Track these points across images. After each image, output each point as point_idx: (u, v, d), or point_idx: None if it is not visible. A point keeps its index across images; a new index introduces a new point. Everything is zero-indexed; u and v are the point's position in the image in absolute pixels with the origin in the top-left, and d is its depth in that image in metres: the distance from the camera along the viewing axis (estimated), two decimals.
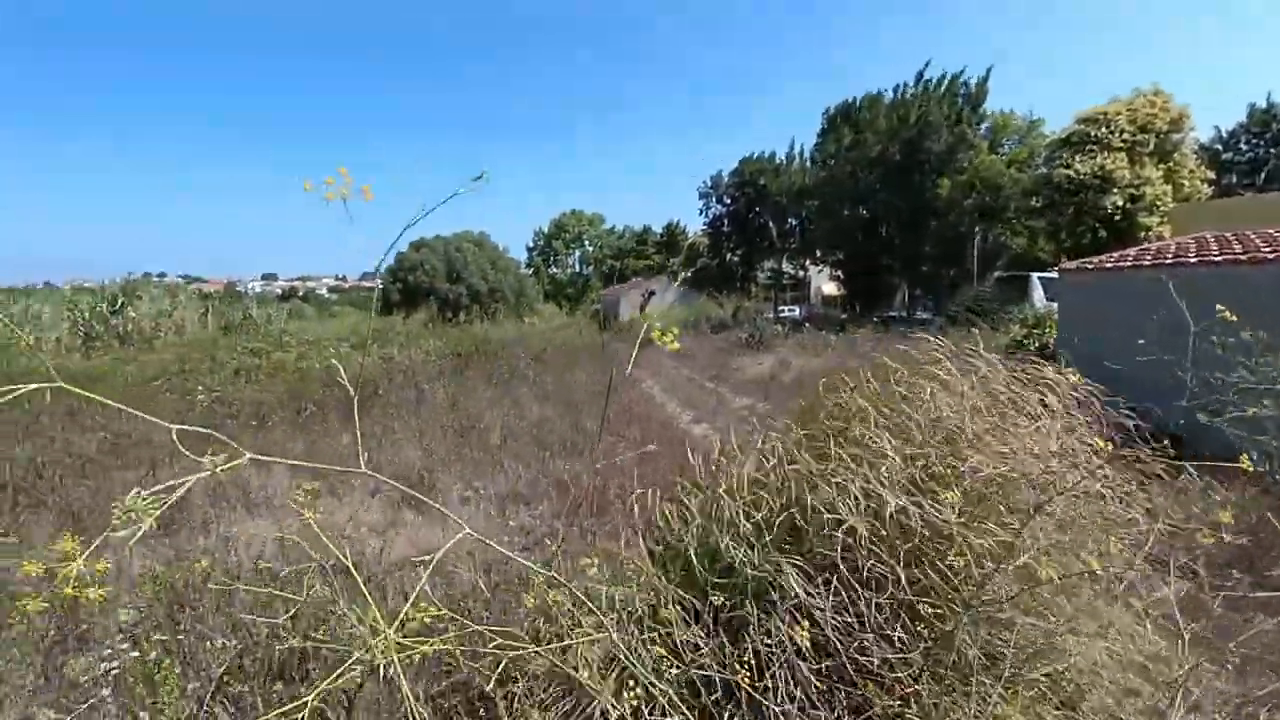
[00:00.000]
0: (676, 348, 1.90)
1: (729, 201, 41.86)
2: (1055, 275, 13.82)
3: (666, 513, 3.33)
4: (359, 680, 2.72)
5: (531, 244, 59.89)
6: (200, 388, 9.05)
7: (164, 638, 2.84)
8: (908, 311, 31.06)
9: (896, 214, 29.47)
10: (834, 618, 2.43)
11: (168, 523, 5.45)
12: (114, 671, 2.71)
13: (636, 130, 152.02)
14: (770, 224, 39.23)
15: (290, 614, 2.89)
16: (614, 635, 2.15)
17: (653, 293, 39.67)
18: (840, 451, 2.81)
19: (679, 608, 2.62)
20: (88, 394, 1.54)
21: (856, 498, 2.57)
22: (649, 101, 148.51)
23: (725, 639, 2.52)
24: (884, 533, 2.53)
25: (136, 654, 2.75)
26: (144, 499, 1.40)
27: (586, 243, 59.25)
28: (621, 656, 2.20)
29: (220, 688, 2.72)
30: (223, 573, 3.96)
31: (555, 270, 58.75)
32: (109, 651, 2.79)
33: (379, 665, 2.58)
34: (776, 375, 14.09)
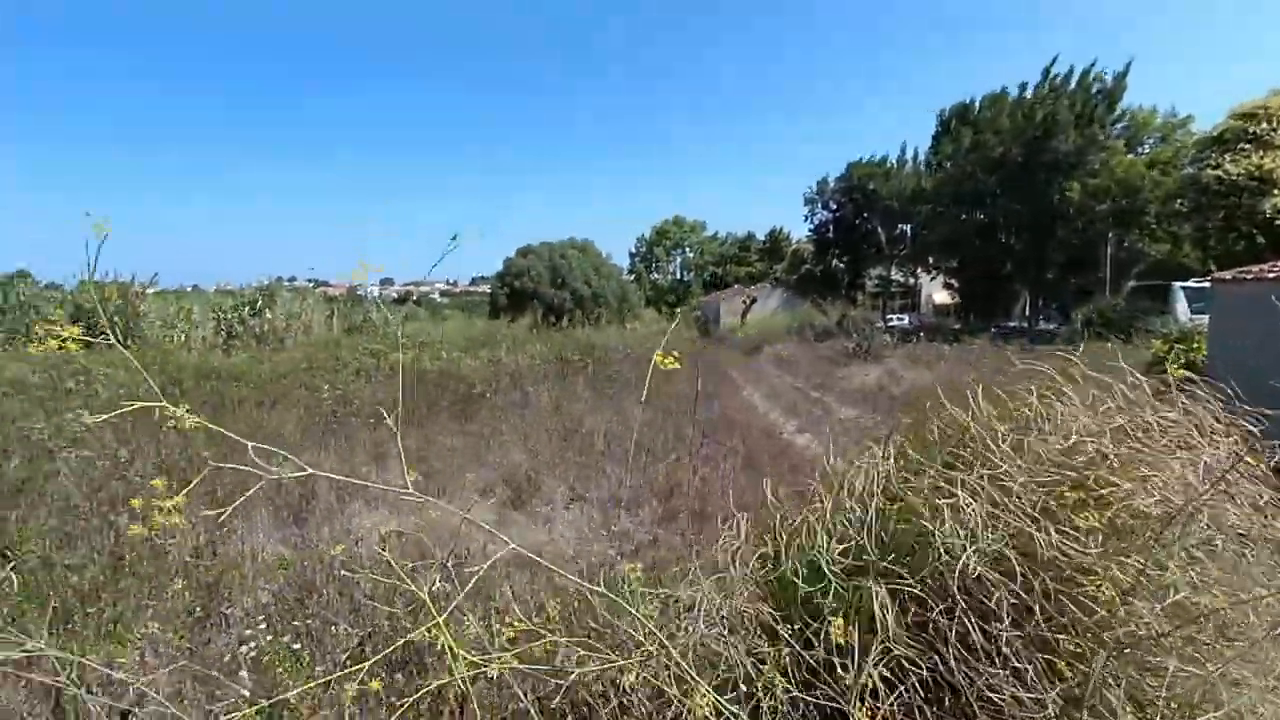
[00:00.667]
0: (676, 366, 1.90)
1: (835, 207, 40.84)
2: (1202, 285, 12.60)
3: (774, 525, 3.25)
4: (470, 678, 2.80)
5: (634, 250, 60.61)
6: (326, 386, 9.68)
7: (296, 623, 3.02)
8: (1029, 322, 29.23)
9: (1018, 218, 27.81)
10: (956, 650, 2.29)
11: (297, 512, 5.85)
12: (251, 654, 2.91)
13: (740, 136, 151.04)
14: (879, 230, 37.98)
15: (410, 608, 3.02)
16: (732, 653, 2.11)
17: (754, 299, 39.21)
18: (962, 475, 2.66)
19: (788, 625, 2.55)
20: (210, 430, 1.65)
21: (981, 522, 2.41)
22: (753, 108, 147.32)
23: (837, 663, 2.43)
24: (1014, 561, 2.36)
25: (271, 636, 2.94)
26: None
27: (688, 249, 59.37)
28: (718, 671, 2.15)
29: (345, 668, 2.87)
30: (346, 562, 4.20)
31: (656, 276, 59.18)
32: (249, 632, 2.99)
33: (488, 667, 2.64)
34: (885, 386, 13.58)
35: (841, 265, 41.62)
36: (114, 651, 2.76)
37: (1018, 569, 2.35)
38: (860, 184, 37.97)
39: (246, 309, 19.68)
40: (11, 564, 3.70)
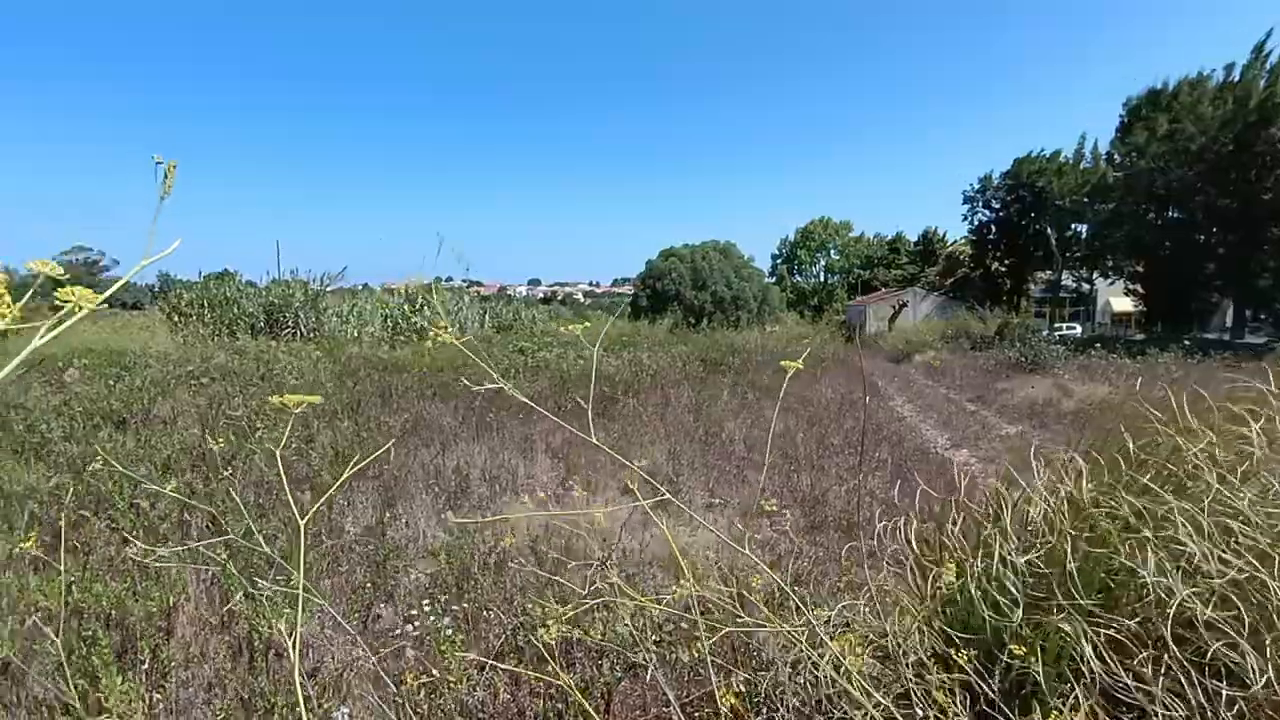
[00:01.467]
0: (816, 371, 1.74)
1: (998, 206, 37.99)
2: None
3: (939, 543, 3.02)
4: (618, 675, 2.80)
5: (776, 252, 59.50)
6: (484, 381, 10.23)
7: (456, 607, 3.16)
8: (1232, 334, 25.72)
9: (1223, 217, 24.48)
10: (1164, 710, 2.00)
11: (452, 500, 6.18)
12: (414, 632, 3.08)
13: (896, 135, 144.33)
14: (1049, 230, 34.88)
15: (560, 600, 3.07)
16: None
17: (904, 304, 37.28)
18: (1172, 505, 2.32)
19: (963, 652, 2.34)
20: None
21: (1205, 557, 2.09)
22: (912, 104, 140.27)
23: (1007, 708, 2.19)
24: (1241, 610, 2.03)
25: (433, 617, 3.09)
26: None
27: (833, 250, 57.49)
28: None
29: (499, 658, 2.96)
30: (495, 549, 4.37)
31: (799, 279, 57.79)
32: (413, 612, 3.17)
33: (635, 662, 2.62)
34: (1054, 401, 12.41)
35: (1003, 269, 38.66)
36: (292, 619, 3.00)
37: (1246, 619, 2.02)
38: (1028, 181, 35.07)
39: (409, 306, 21.24)
40: (223, 534, 4.16)
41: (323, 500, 1.44)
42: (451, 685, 2.53)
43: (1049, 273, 37.14)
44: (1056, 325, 30.99)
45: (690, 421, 9.43)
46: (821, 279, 58.20)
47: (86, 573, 3.19)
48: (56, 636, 2.13)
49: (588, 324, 1.98)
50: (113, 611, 2.88)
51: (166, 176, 0.73)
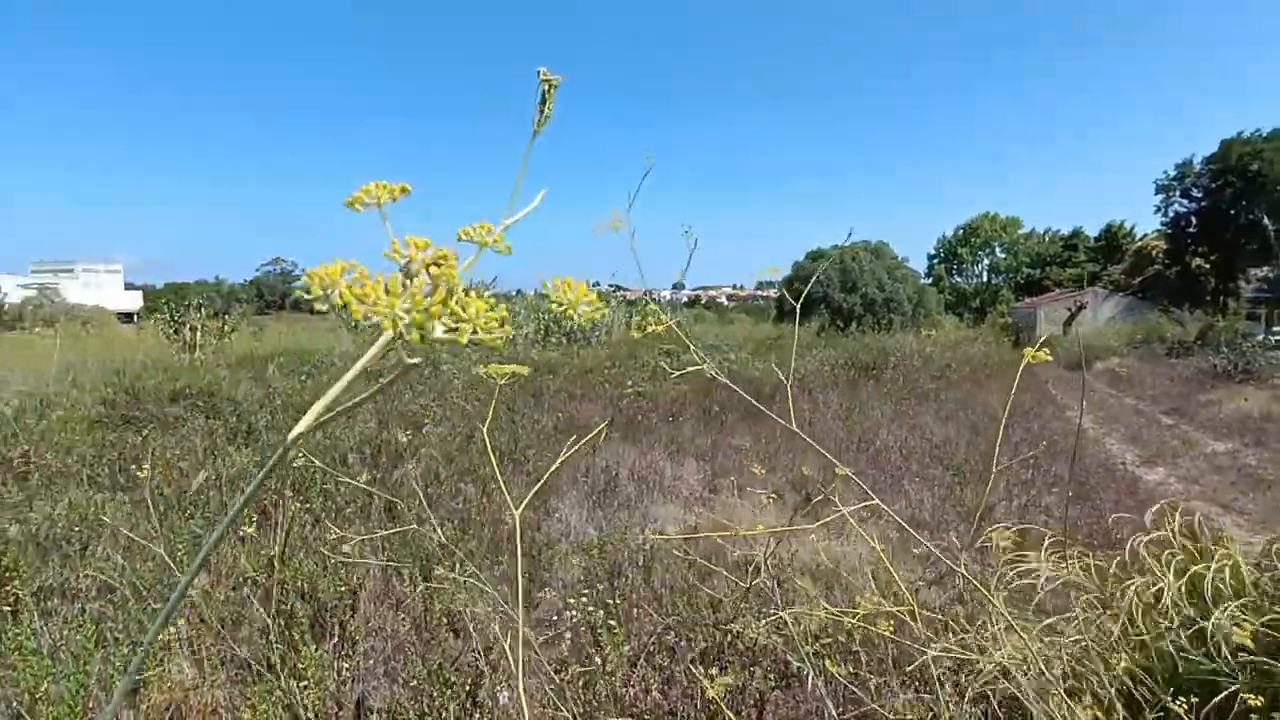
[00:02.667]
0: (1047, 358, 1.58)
1: (1199, 195, 33.61)
2: None
3: (1133, 568, 2.69)
4: (771, 683, 2.73)
5: (934, 251, 56.07)
6: (630, 382, 10.45)
7: (611, 602, 3.22)
8: None
9: None
10: None
11: (601, 496, 6.33)
12: (571, 621, 3.16)
13: (1070, 120, 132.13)
14: (1265, 220, 30.36)
15: (712, 604, 3.04)
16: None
17: (1082, 306, 33.85)
18: None
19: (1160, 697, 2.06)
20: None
21: None
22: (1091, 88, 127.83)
23: None
24: None
25: (590, 608, 3.16)
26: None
27: (998, 249, 53.31)
28: None
29: (650, 656, 2.98)
30: (641, 548, 4.42)
31: (958, 279, 54.14)
32: (571, 601, 3.26)
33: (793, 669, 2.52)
34: (1275, 416, 10.77)
35: (1205, 265, 34.14)
36: (465, 601, 3.18)
37: None
38: (1239, 165, 30.74)
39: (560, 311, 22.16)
40: (399, 520, 4.51)
41: (537, 487, 1.50)
42: (607, 676, 2.57)
43: (1265, 269, 32.32)
44: (1275, 329, 26.90)
45: (840, 427, 9.09)
46: (985, 279, 54.14)
47: (286, 550, 3.56)
48: (261, 606, 2.38)
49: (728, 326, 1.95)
50: (307, 586, 3.19)
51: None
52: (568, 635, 3.31)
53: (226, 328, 17.66)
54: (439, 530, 2.36)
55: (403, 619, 3.37)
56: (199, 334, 15.96)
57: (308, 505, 4.44)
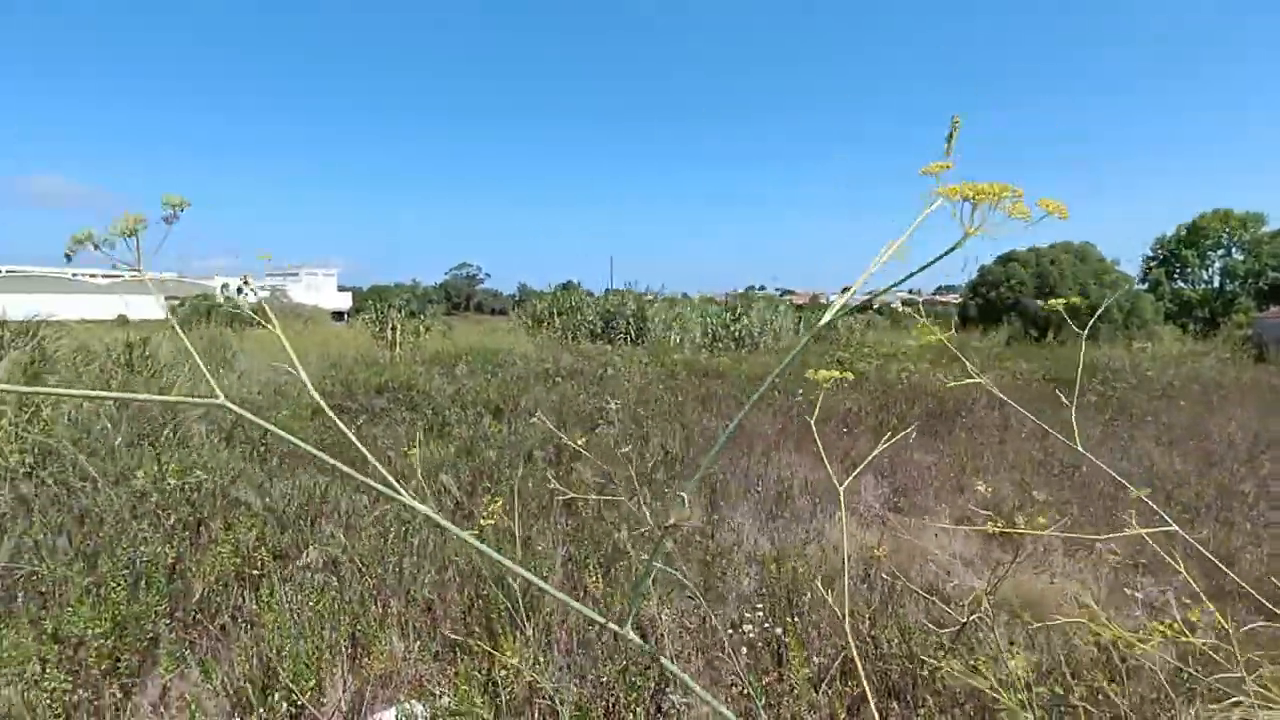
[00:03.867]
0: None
1: None
2: None
3: None
4: None
5: (1151, 253, 49.38)
6: (800, 390, 10.16)
7: (788, 619, 3.11)
8: None
9: None
10: None
11: (773, 507, 6.19)
12: (750, 635, 3.09)
13: None
14: None
15: (902, 632, 2.85)
16: None
17: None
18: None
19: None
20: None
21: None
22: None
23: None
24: None
25: (769, 624, 3.08)
26: None
27: (1234, 250, 45.97)
28: None
29: (832, 681, 2.85)
30: (818, 568, 4.24)
31: (1182, 285, 47.38)
32: (748, 615, 3.20)
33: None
34: None
35: None
36: (658, 604, 3.21)
37: None
38: None
39: (728, 315, 22.05)
40: (578, 516, 4.66)
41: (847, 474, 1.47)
42: (793, 697, 2.47)
43: None
44: None
45: (1036, 448, 8.25)
46: (1217, 285, 46.92)
47: (481, 537, 3.80)
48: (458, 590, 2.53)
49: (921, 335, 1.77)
50: (500, 574, 3.37)
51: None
52: (744, 649, 3.24)
53: (422, 328, 19.40)
54: (622, 530, 2.39)
55: (582, 615, 3.46)
56: (398, 333, 17.64)
57: (496, 497, 4.71)
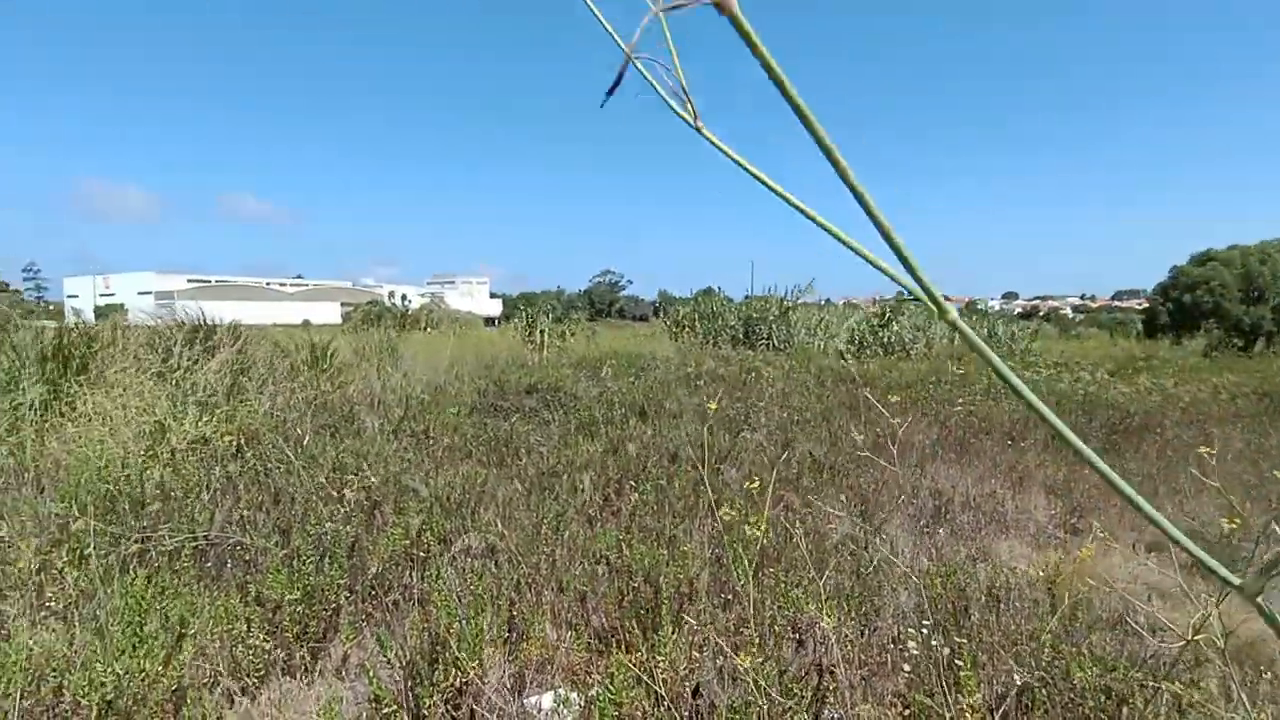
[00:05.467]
0: None
1: None
2: None
3: None
4: None
5: None
6: (960, 399, 9.52)
7: (960, 641, 2.89)
8: None
9: None
10: None
11: (930, 520, 5.81)
12: (912, 652, 2.89)
13: None
14: None
15: (1100, 664, 2.56)
16: None
17: None
18: None
19: None
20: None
21: None
22: None
23: None
24: None
25: (931, 640, 2.87)
26: None
27: None
28: None
29: (1006, 715, 2.60)
30: (985, 588, 3.90)
31: None
32: (911, 631, 3.00)
33: None
34: None
35: None
36: (817, 611, 3.09)
37: None
38: None
39: (876, 321, 21.11)
40: (720, 519, 4.59)
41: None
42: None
43: None
44: None
45: (1248, 473, 7.20)
46: None
47: (629, 533, 3.83)
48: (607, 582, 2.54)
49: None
50: (650, 570, 3.37)
51: None
52: (905, 667, 3.04)
53: (567, 332, 20.13)
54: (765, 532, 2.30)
55: (732, 616, 3.39)
56: (546, 337, 18.40)
57: (643, 496, 4.75)
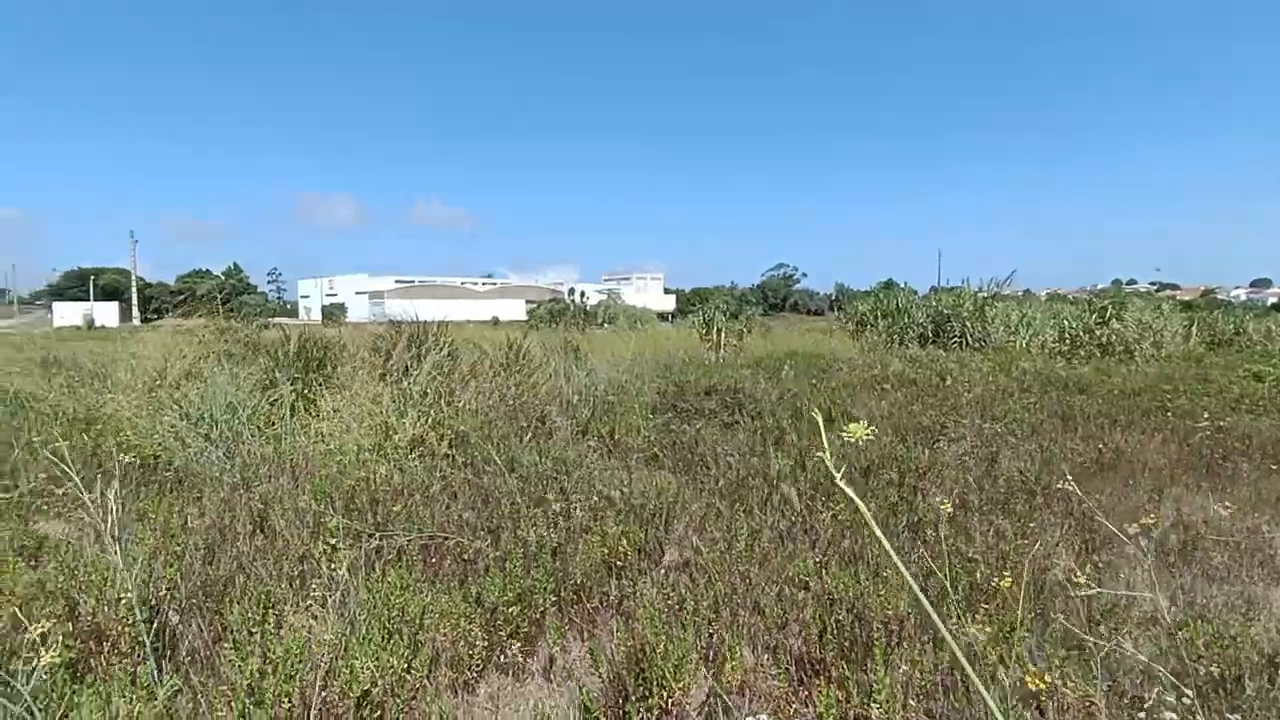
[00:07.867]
0: None
1: None
2: None
3: None
4: None
5: None
6: (1205, 413, 8.23)
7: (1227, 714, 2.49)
8: None
9: None
10: None
11: (1172, 558, 5.07)
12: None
13: None
14: None
15: None
16: None
17: None
18: None
19: None
20: None
21: None
22: None
23: None
24: None
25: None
26: None
27: None
28: None
29: None
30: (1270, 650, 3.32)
31: None
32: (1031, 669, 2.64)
33: None
34: None
35: None
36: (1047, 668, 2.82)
37: None
38: None
39: (1094, 317, 18.87)
40: (929, 544, 4.31)
41: None
42: None
43: None
44: None
45: None
46: None
47: (827, 555, 3.69)
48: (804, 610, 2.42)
49: None
50: (852, 600, 3.23)
51: None
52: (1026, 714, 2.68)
53: (744, 329, 19.98)
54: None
55: (938, 659, 3.16)
56: (722, 335, 18.37)
57: (837, 517, 4.57)
